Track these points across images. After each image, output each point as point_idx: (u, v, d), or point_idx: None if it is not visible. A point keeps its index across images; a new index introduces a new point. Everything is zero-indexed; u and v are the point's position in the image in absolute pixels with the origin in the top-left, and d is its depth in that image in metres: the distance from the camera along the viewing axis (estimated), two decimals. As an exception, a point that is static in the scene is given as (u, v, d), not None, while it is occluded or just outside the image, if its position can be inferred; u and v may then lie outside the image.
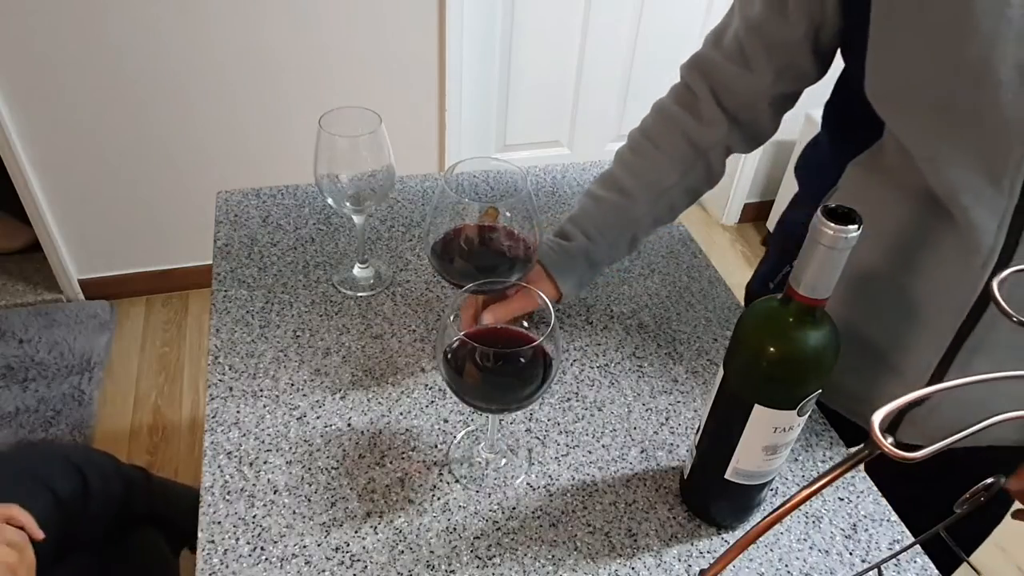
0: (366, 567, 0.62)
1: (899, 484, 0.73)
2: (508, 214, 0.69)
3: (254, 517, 0.65)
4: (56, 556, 0.90)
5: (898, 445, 0.30)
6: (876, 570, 0.56)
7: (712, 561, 0.53)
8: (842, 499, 0.71)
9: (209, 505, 0.66)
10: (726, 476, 0.62)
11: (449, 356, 0.60)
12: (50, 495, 0.94)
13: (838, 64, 0.74)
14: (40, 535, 0.84)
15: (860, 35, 0.64)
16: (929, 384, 0.70)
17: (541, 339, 0.57)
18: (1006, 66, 0.54)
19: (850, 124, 0.75)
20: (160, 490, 1.22)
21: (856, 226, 0.46)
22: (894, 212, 0.68)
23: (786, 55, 0.71)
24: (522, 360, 0.59)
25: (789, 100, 0.78)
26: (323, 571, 0.61)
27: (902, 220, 0.67)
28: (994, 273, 0.62)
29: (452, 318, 0.60)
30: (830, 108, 0.82)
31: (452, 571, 0.62)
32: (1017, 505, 0.76)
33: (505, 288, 0.70)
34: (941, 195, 0.62)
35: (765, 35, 0.71)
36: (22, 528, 0.83)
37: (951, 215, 0.62)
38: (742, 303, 0.93)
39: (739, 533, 0.68)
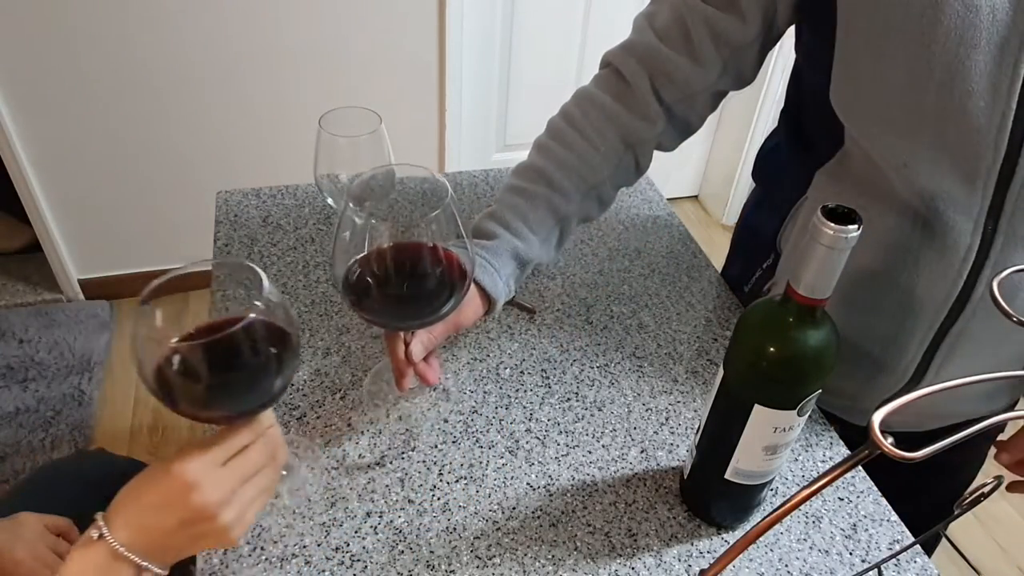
0: (366, 567, 0.62)
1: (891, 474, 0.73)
2: (434, 228, 0.61)
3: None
4: None
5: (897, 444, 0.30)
6: (876, 570, 0.56)
7: (712, 561, 0.53)
8: (842, 499, 0.71)
9: (209, 505, 0.65)
10: (726, 476, 0.62)
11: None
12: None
13: (786, 73, 0.74)
14: None
15: (822, 47, 0.64)
16: (914, 376, 0.72)
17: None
18: (977, 75, 0.55)
19: (808, 132, 0.75)
20: None
21: (856, 226, 0.46)
22: (867, 219, 0.69)
23: (734, 53, 0.70)
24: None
25: (720, 98, 0.76)
26: (323, 571, 0.61)
27: (877, 226, 0.67)
28: (975, 269, 0.63)
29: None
30: (787, 114, 0.82)
31: (452, 571, 0.62)
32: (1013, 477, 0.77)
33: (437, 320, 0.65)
34: (914, 201, 0.63)
35: (718, 31, 0.69)
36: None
37: (926, 218, 0.63)
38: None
39: (739, 533, 0.68)
